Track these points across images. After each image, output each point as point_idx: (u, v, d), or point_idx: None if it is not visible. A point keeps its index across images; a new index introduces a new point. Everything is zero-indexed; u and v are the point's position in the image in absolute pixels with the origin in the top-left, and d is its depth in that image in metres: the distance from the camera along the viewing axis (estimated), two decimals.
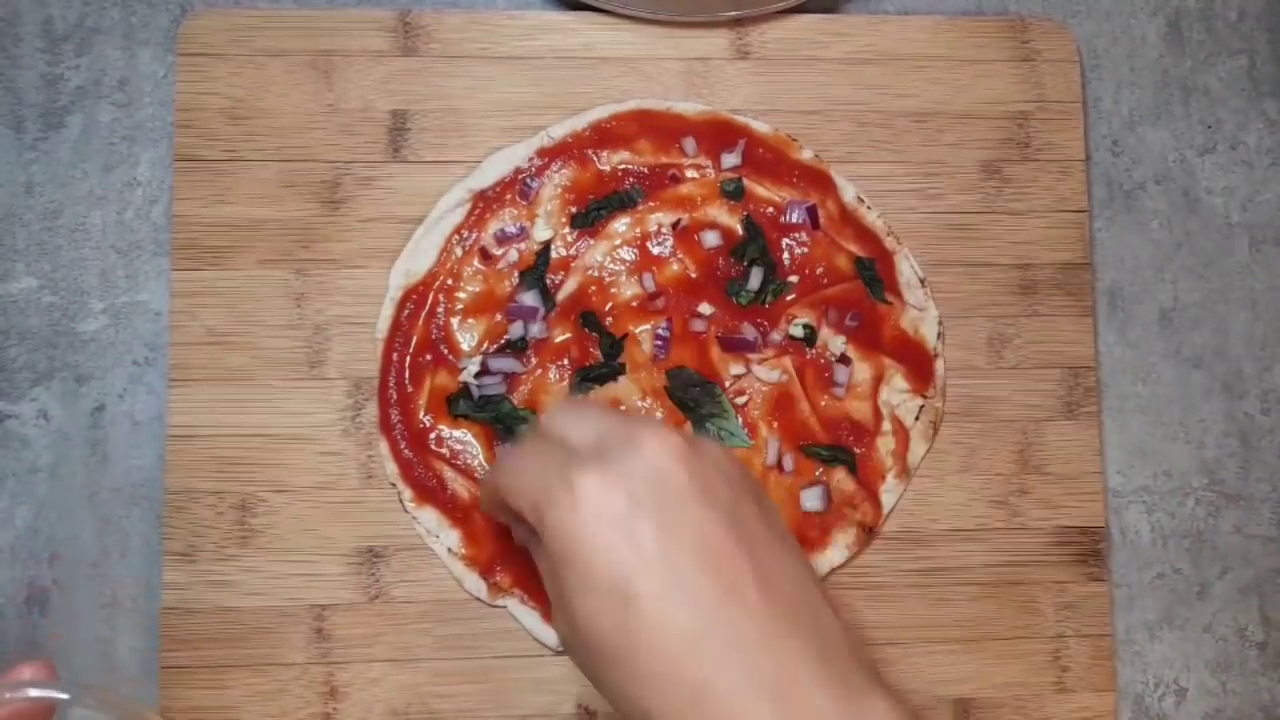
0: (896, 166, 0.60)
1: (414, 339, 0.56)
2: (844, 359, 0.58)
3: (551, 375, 0.56)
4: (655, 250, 0.58)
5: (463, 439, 0.56)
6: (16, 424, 0.56)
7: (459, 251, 0.57)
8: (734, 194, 0.58)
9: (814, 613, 0.37)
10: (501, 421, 0.56)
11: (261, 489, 0.55)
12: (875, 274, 0.58)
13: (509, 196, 0.57)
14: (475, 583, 0.55)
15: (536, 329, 0.56)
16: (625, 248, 0.57)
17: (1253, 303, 0.63)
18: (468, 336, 0.56)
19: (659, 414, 0.56)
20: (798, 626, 0.36)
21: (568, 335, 0.57)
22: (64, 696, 0.36)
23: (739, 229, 0.58)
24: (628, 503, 0.36)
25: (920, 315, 0.59)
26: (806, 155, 0.59)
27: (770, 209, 0.58)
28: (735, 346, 0.57)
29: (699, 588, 0.36)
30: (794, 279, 0.58)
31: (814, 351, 0.58)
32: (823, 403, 0.57)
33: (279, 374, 0.56)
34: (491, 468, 0.46)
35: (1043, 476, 0.59)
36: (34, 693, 0.36)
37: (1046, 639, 0.57)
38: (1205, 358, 0.62)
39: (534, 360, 0.56)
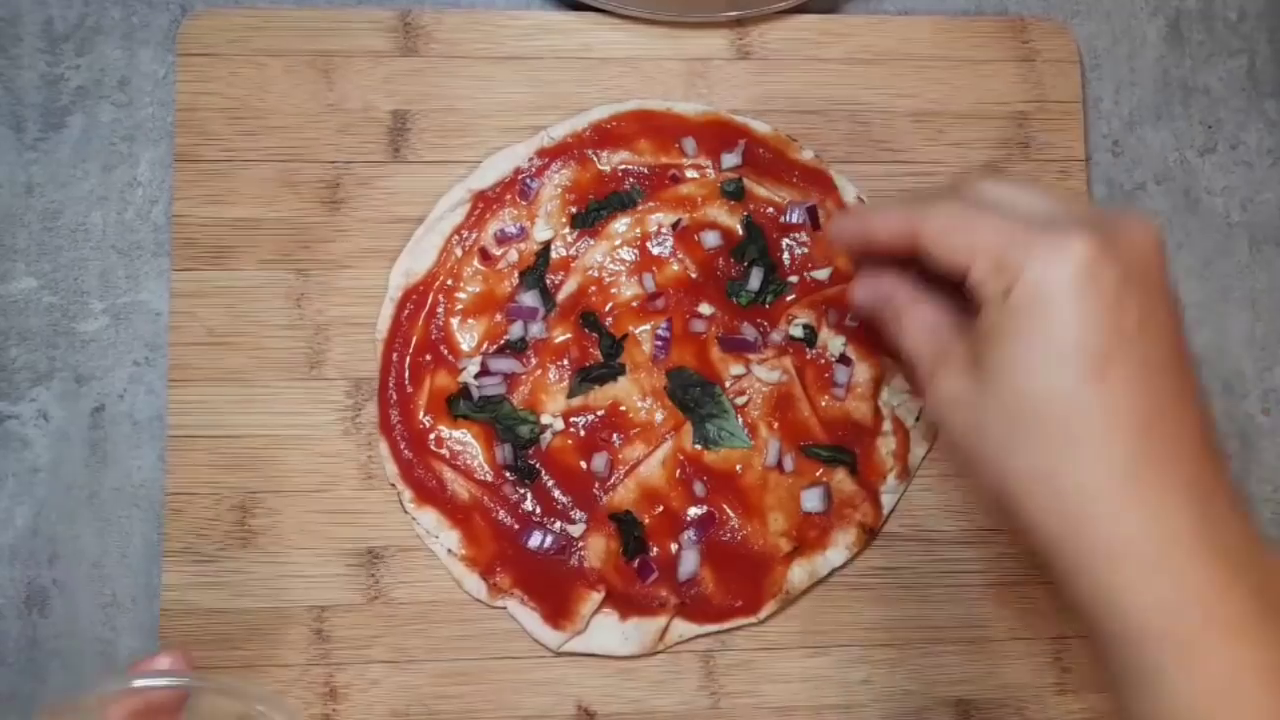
0: (896, 166, 0.60)
1: (414, 339, 0.56)
2: (844, 359, 0.58)
3: (551, 375, 0.56)
4: (655, 250, 0.58)
5: (463, 439, 0.56)
6: (16, 424, 0.56)
7: (459, 252, 0.57)
8: (734, 194, 0.58)
9: (1216, 444, 0.39)
10: (501, 422, 0.56)
11: (261, 490, 0.55)
12: None
13: (509, 197, 0.57)
14: (475, 583, 0.55)
15: (536, 329, 0.56)
16: (625, 248, 0.57)
17: (1253, 303, 0.63)
18: (468, 337, 0.56)
19: (659, 415, 0.56)
20: (1222, 455, 0.38)
21: (568, 335, 0.57)
22: (199, 685, 0.37)
23: (739, 229, 0.58)
24: (1123, 276, 0.36)
25: None
26: (806, 155, 0.59)
27: (770, 209, 0.58)
28: (735, 347, 0.57)
29: (1159, 382, 0.37)
30: (794, 279, 0.58)
31: (814, 352, 0.58)
32: (823, 403, 0.57)
33: (279, 374, 0.56)
34: (910, 205, 0.42)
35: None
36: (168, 681, 0.37)
37: (1047, 639, 0.57)
38: (1205, 358, 0.62)
39: (534, 360, 0.56)
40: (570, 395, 0.56)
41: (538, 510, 0.55)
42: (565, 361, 0.56)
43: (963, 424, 0.40)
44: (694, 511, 0.56)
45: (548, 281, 0.57)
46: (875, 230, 0.44)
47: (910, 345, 0.44)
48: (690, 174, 0.58)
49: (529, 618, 0.55)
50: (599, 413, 0.56)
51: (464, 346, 0.56)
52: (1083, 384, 0.36)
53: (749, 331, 0.57)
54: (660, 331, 0.57)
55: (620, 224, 0.58)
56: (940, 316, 0.43)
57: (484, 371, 0.56)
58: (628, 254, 0.57)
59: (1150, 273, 0.38)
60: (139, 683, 0.37)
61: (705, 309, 0.57)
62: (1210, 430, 0.38)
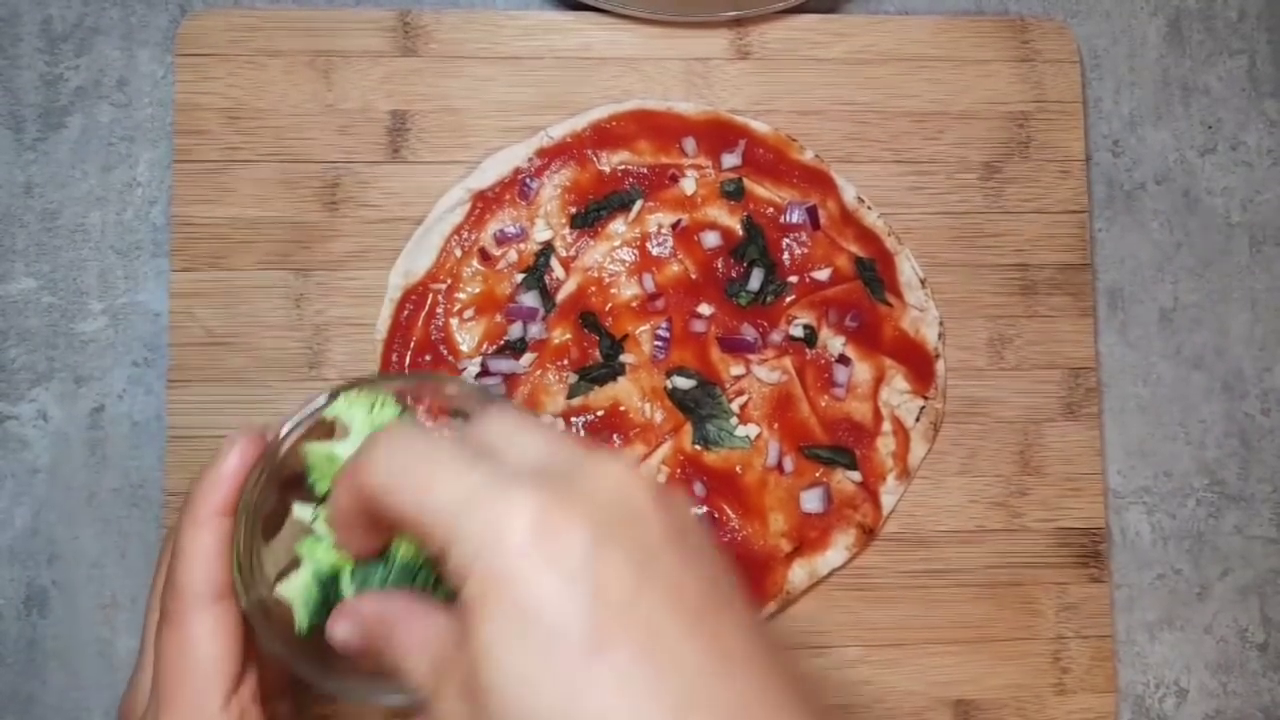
0: (896, 166, 0.60)
1: (413, 340, 0.56)
2: (844, 359, 0.58)
3: (551, 376, 0.56)
4: (655, 251, 0.57)
5: None
6: (16, 424, 0.56)
7: (458, 252, 0.57)
8: (734, 194, 0.58)
9: (794, 672, 0.30)
10: None
11: None
12: (876, 274, 0.58)
13: (509, 197, 0.57)
14: None
15: (536, 329, 0.56)
16: (625, 248, 0.57)
17: (1253, 303, 0.63)
18: (467, 337, 0.56)
19: (659, 415, 0.56)
20: (794, 698, 0.29)
21: (568, 336, 0.57)
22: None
23: (739, 229, 0.58)
24: (591, 533, 0.28)
25: (921, 316, 0.59)
26: (807, 155, 0.59)
27: (770, 209, 0.58)
28: (735, 347, 0.57)
29: (683, 652, 0.28)
30: (794, 279, 0.58)
31: (814, 352, 0.58)
32: (823, 403, 0.57)
33: (278, 374, 0.56)
34: (360, 459, 0.32)
35: (1043, 477, 0.59)
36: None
37: (1047, 640, 0.57)
38: (1205, 358, 0.62)
39: (534, 361, 0.56)
40: (570, 395, 0.56)
41: None
42: (565, 362, 0.56)
43: None
44: (694, 511, 0.56)
45: (547, 282, 0.57)
46: (340, 500, 0.33)
47: (409, 668, 0.31)
48: (690, 174, 0.58)
49: None
50: (599, 413, 0.56)
51: (464, 347, 0.56)
52: (581, 674, 0.27)
53: (749, 332, 0.57)
54: (660, 331, 0.57)
55: (620, 224, 0.58)
56: (442, 623, 0.31)
57: (484, 372, 0.56)
58: (627, 254, 0.57)
59: (635, 519, 0.29)
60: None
61: (705, 309, 0.57)
62: (779, 678, 0.29)
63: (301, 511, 0.38)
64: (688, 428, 0.56)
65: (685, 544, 0.30)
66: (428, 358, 0.56)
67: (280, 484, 0.38)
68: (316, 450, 0.37)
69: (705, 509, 0.56)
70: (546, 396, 0.56)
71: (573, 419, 0.56)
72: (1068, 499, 0.59)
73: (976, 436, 0.59)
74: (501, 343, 0.56)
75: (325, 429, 0.39)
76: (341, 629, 0.34)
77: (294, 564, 0.37)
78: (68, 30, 0.59)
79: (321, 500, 0.38)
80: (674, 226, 0.58)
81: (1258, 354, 0.62)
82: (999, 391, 0.59)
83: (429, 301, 0.56)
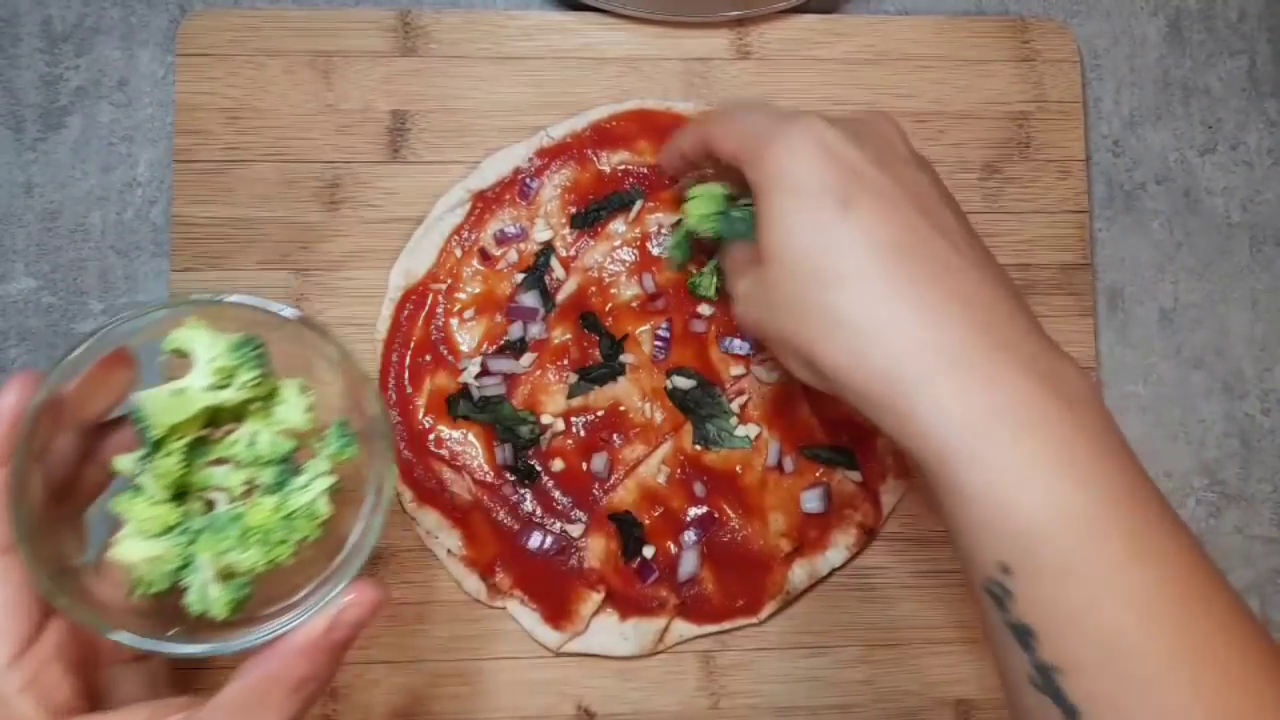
0: None
1: (413, 340, 0.56)
2: None
3: (551, 376, 0.56)
4: (655, 250, 0.57)
5: (463, 440, 0.56)
6: None
7: (458, 252, 0.57)
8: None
9: (1009, 282, 0.41)
10: (501, 422, 0.56)
11: None
12: None
13: (509, 197, 0.57)
14: (475, 584, 0.55)
15: (536, 329, 0.56)
16: (625, 248, 0.57)
17: (1253, 303, 0.63)
18: (467, 337, 0.56)
19: (659, 415, 0.56)
20: (1000, 277, 0.40)
21: (568, 336, 0.57)
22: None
23: None
24: (853, 132, 0.40)
25: None
26: None
27: None
28: (735, 347, 0.57)
29: (911, 215, 0.39)
30: None
31: None
32: (823, 403, 0.57)
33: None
34: (690, 125, 0.50)
35: None
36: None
37: None
38: (1205, 358, 0.62)
39: (534, 361, 0.56)
40: (570, 395, 0.56)
41: (538, 511, 0.55)
42: (565, 361, 0.56)
43: (757, 316, 0.42)
44: (694, 512, 0.56)
45: (547, 282, 0.57)
46: (683, 147, 0.49)
47: (728, 271, 0.48)
48: (690, 174, 0.58)
49: (529, 618, 0.55)
50: (599, 413, 0.56)
51: (464, 347, 0.56)
52: (832, 223, 0.38)
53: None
54: (660, 331, 0.57)
55: (620, 224, 0.58)
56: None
57: (484, 372, 0.56)
58: (627, 254, 0.57)
59: (886, 140, 0.42)
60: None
61: (705, 309, 0.57)
62: (981, 259, 0.40)
63: (125, 463, 0.37)
64: (688, 428, 0.56)
65: (923, 166, 0.42)
66: (427, 357, 0.56)
67: (83, 436, 0.37)
68: (153, 395, 0.36)
69: (705, 509, 0.56)
70: (546, 396, 0.56)
71: (573, 419, 0.56)
72: None
73: None
74: (501, 343, 0.56)
75: (122, 366, 0.37)
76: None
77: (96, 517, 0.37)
78: (68, 30, 0.59)
79: (154, 449, 0.36)
80: (674, 226, 0.58)
81: (1258, 354, 0.62)
82: None
83: (429, 301, 0.56)
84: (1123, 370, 0.61)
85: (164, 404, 0.36)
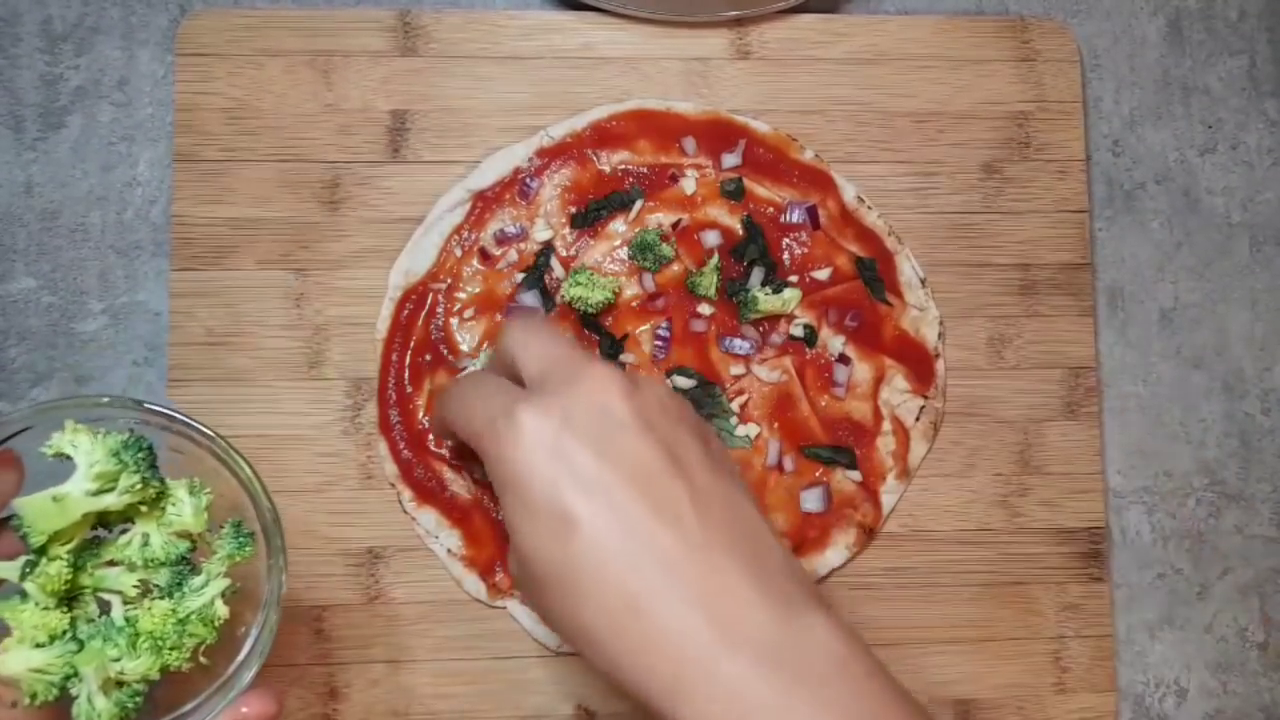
0: (896, 166, 0.60)
1: (413, 339, 0.56)
2: (844, 359, 0.58)
3: None
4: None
5: None
6: None
7: (458, 252, 0.57)
8: (734, 194, 0.58)
9: (753, 536, 0.38)
10: None
11: None
12: (876, 274, 0.58)
13: (509, 197, 0.57)
14: (475, 584, 0.55)
15: None
16: (625, 248, 0.57)
17: (1253, 303, 0.63)
18: (467, 337, 0.56)
19: None
20: (734, 547, 0.37)
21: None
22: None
23: (739, 229, 0.58)
24: (566, 432, 0.37)
25: (921, 315, 0.59)
26: (806, 155, 0.59)
27: (770, 209, 0.58)
28: (735, 347, 0.57)
29: (633, 510, 0.37)
30: (794, 279, 0.58)
31: (814, 351, 0.58)
32: (823, 403, 0.57)
33: (278, 374, 0.56)
34: (442, 395, 0.47)
35: (1043, 476, 0.59)
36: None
37: (1047, 639, 0.57)
38: (1205, 358, 0.62)
39: None
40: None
41: None
42: None
43: (533, 609, 0.42)
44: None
45: (547, 281, 0.57)
46: (436, 427, 0.50)
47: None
48: (690, 174, 0.58)
49: (529, 617, 0.55)
50: None
51: (464, 346, 0.56)
52: (562, 536, 0.37)
53: (749, 332, 0.57)
54: (660, 331, 0.57)
55: (620, 224, 0.58)
56: None
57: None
58: (628, 254, 0.57)
59: (602, 417, 0.38)
60: None
61: (705, 309, 0.57)
62: (718, 519, 0.38)
63: (7, 570, 0.36)
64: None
65: (642, 426, 0.38)
66: (427, 357, 0.56)
67: None
68: (33, 501, 0.35)
69: None
70: None
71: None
72: (1068, 499, 0.59)
73: (977, 436, 0.59)
74: None
75: (6, 469, 0.36)
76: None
77: None
78: (68, 30, 0.59)
79: (39, 555, 0.35)
80: (674, 226, 0.58)
81: (1258, 354, 0.62)
82: (999, 391, 0.59)
83: (429, 301, 0.56)
84: (1123, 370, 0.61)
85: (45, 510, 0.35)
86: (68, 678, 0.35)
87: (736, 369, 0.57)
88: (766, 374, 0.57)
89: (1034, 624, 0.58)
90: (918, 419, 0.58)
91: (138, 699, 0.36)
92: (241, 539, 0.39)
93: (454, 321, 0.56)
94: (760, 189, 0.58)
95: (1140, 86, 0.63)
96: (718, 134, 0.58)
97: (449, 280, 0.57)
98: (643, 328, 0.57)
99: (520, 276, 0.57)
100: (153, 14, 0.59)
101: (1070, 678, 0.57)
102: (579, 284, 0.55)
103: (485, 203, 0.57)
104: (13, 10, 0.58)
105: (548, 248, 0.57)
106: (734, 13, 0.59)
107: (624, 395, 0.39)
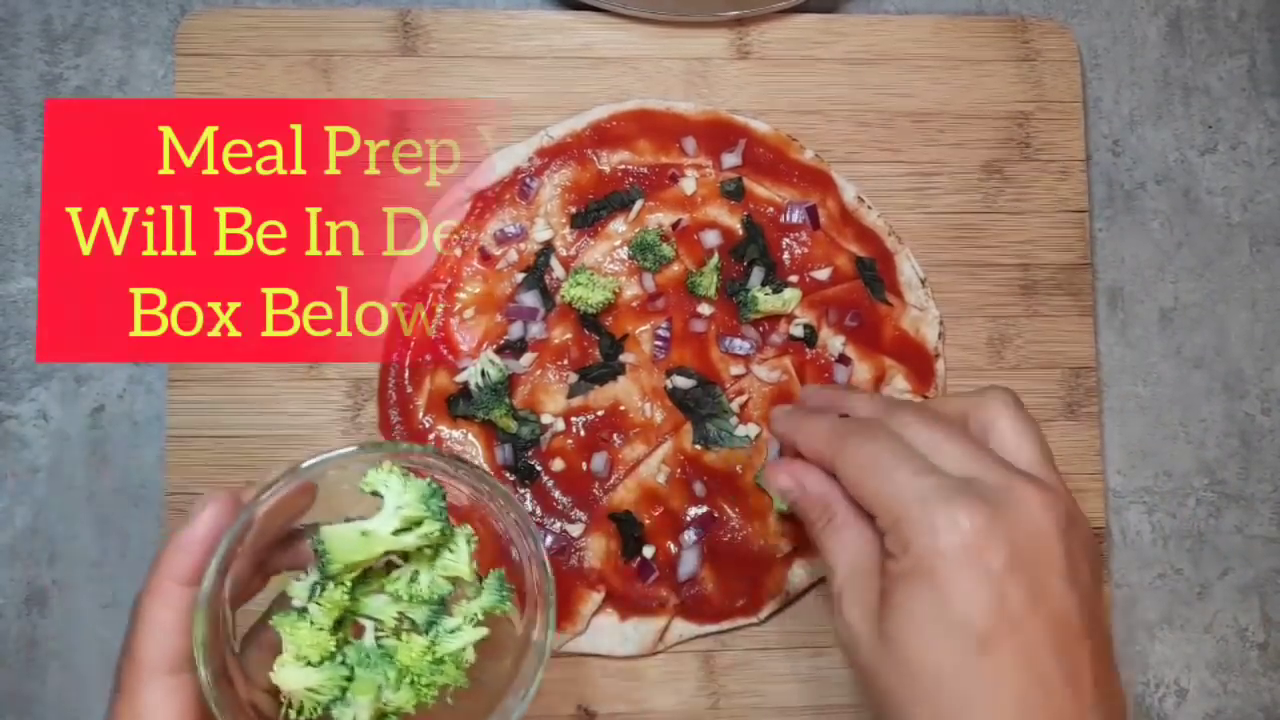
0: (896, 166, 0.60)
1: (413, 339, 0.56)
2: (844, 359, 0.57)
3: (551, 376, 0.56)
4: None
5: (463, 440, 0.56)
6: (16, 424, 0.56)
7: (458, 252, 0.57)
8: (734, 194, 0.58)
9: (1119, 702, 0.39)
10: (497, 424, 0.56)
11: None
12: (876, 274, 0.58)
13: (509, 196, 0.57)
14: None
15: (536, 329, 0.56)
16: (625, 248, 0.57)
17: (1253, 303, 0.63)
18: (467, 337, 0.56)
19: (659, 415, 0.56)
20: (1112, 714, 0.38)
21: (568, 335, 0.57)
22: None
23: (739, 229, 0.58)
24: (1009, 557, 0.37)
25: (921, 315, 0.59)
26: (806, 155, 0.59)
27: (770, 209, 0.58)
28: (735, 347, 0.57)
29: (1046, 665, 0.37)
30: (794, 279, 0.58)
31: (814, 351, 0.58)
32: None
33: (279, 374, 0.56)
34: (846, 451, 0.42)
35: None
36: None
37: None
38: (1205, 358, 0.62)
39: (534, 360, 0.56)
40: (570, 395, 0.56)
41: (538, 510, 0.55)
42: (565, 361, 0.56)
43: (863, 661, 0.40)
44: (694, 512, 0.56)
45: (547, 281, 0.57)
46: (801, 445, 0.45)
47: (830, 553, 0.43)
48: (690, 174, 0.58)
49: None
50: (599, 413, 0.56)
51: (464, 346, 0.56)
52: (968, 659, 0.36)
53: (749, 332, 0.57)
54: (660, 331, 0.57)
55: (620, 224, 0.58)
56: (864, 541, 0.42)
57: (484, 371, 0.56)
58: (627, 254, 0.57)
59: (1042, 552, 0.38)
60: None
61: (705, 309, 0.57)
62: (1103, 699, 0.38)
63: (298, 590, 0.37)
64: (688, 427, 0.56)
65: (1072, 575, 0.38)
66: (428, 357, 0.56)
67: (255, 553, 0.38)
68: (339, 532, 0.37)
69: (705, 509, 0.56)
70: (547, 396, 0.56)
71: (573, 419, 0.56)
72: None
73: None
74: (501, 342, 0.56)
75: (306, 494, 0.38)
76: (783, 480, 0.45)
77: (264, 637, 0.38)
78: (68, 30, 0.59)
79: (327, 580, 0.37)
80: (674, 226, 0.58)
81: (1258, 354, 0.62)
82: None
83: (429, 301, 0.56)
84: (1123, 370, 0.61)
85: (349, 542, 0.37)
86: (334, 700, 0.37)
87: (736, 369, 0.57)
88: (766, 374, 0.57)
89: None
90: None
91: None
92: (505, 592, 0.40)
93: (454, 321, 0.56)
94: (760, 189, 0.58)
95: (1140, 86, 0.63)
96: (718, 134, 0.58)
97: (449, 280, 0.57)
98: (643, 328, 0.57)
99: (520, 276, 0.57)
100: (153, 14, 0.59)
101: None
102: (579, 284, 0.55)
103: (485, 203, 0.57)
104: (13, 10, 0.58)
105: (548, 248, 0.57)
106: (734, 13, 0.59)
107: (1062, 531, 0.38)
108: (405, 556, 0.39)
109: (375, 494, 0.37)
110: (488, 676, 0.40)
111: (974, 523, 0.37)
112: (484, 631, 0.39)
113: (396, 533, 0.38)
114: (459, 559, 0.39)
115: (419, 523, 0.38)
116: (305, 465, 0.37)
